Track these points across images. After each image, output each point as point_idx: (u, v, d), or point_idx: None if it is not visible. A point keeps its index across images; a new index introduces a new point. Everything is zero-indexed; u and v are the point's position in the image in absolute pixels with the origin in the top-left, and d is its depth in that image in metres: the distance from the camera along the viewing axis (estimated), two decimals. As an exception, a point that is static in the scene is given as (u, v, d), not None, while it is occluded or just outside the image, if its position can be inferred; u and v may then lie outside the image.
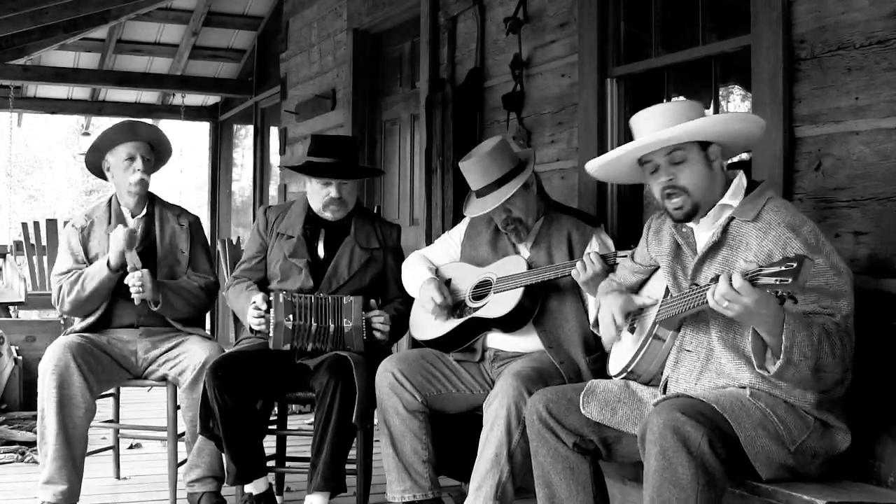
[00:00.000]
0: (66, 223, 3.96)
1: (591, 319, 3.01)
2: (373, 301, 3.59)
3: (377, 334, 3.51)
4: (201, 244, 3.91)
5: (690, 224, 2.64)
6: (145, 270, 3.61)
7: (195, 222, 3.94)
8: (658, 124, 2.55)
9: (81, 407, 3.47)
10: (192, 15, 8.33)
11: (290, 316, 3.41)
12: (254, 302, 3.51)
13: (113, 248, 3.60)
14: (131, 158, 3.74)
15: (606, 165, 2.73)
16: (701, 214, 2.58)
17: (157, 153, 3.87)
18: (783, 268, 2.08)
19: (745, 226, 2.49)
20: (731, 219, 2.52)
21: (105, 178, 3.86)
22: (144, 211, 3.83)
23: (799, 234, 2.39)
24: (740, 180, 2.57)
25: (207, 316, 4.04)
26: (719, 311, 2.24)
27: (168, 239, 3.82)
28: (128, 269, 3.60)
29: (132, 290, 3.59)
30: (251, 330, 3.56)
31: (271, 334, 3.41)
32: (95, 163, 3.84)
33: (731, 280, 2.17)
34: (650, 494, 2.26)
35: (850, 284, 2.38)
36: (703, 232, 2.60)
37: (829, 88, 2.86)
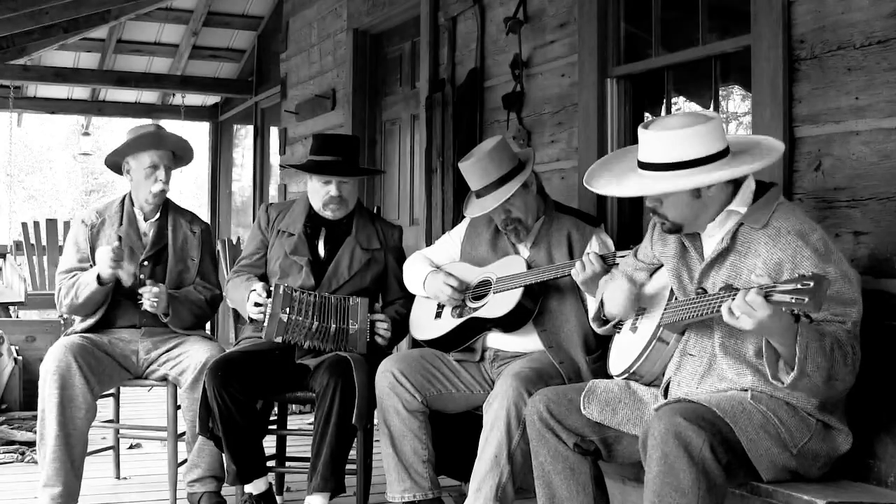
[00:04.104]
0: (66, 223, 3.96)
1: (591, 314, 3.01)
2: (377, 305, 3.59)
3: (378, 339, 3.51)
4: (210, 253, 3.93)
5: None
6: (162, 286, 3.64)
7: (206, 230, 3.95)
8: (665, 150, 2.44)
9: (82, 408, 3.47)
10: (192, 15, 8.34)
11: (287, 309, 3.40)
12: (254, 289, 3.51)
13: (100, 265, 3.59)
14: (154, 167, 3.74)
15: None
16: (686, 231, 2.58)
17: (177, 159, 3.88)
18: (799, 286, 2.07)
19: (755, 233, 2.46)
20: (740, 224, 2.49)
21: (121, 174, 3.87)
22: (158, 215, 3.84)
23: (808, 241, 2.37)
24: (748, 185, 2.53)
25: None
26: (731, 324, 2.23)
27: (180, 245, 3.82)
28: (123, 282, 3.62)
29: (146, 302, 3.61)
30: (249, 319, 3.56)
31: (265, 324, 3.41)
32: (116, 162, 3.84)
33: (745, 295, 2.16)
34: (651, 499, 2.26)
35: (860, 290, 2.37)
36: (710, 236, 2.58)
37: (829, 88, 2.86)
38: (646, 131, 2.51)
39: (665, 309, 2.65)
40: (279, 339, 3.42)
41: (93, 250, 3.74)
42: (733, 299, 2.20)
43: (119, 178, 3.92)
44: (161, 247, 3.79)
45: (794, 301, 2.07)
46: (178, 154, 3.87)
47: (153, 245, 3.77)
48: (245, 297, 3.54)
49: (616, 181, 2.61)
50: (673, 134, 2.45)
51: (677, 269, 2.65)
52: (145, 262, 3.75)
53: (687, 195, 2.49)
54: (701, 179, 2.42)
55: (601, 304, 2.88)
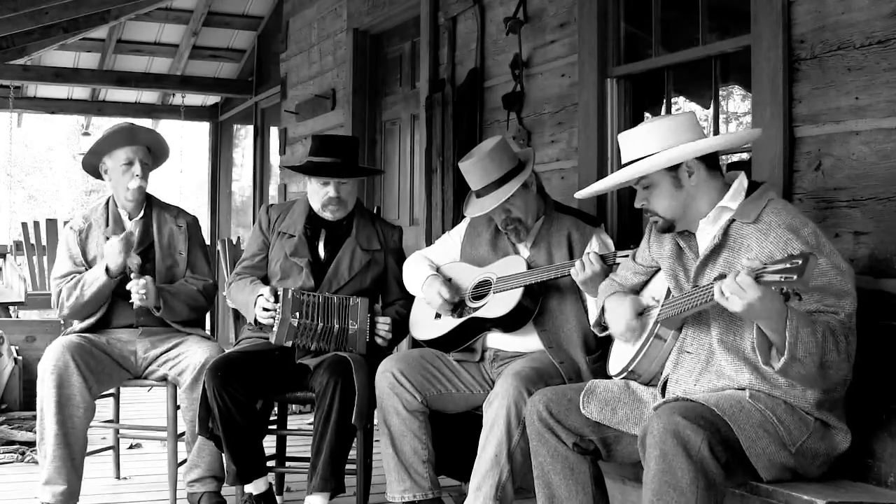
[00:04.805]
0: (65, 223, 3.95)
1: (592, 320, 3.01)
2: (377, 306, 3.59)
3: (378, 340, 3.52)
4: (199, 245, 3.91)
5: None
6: (148, 278, 3.61)
7: (193, 222, 3.93)
8: (638, 147, 2.59)
9: (81, 407, 3.47)
10: (192, 15, 8.34)
11: (297, 314, 3.41)
12: (261, 294, 3.50)
13: (108, 255, 3.59)
14: (129, 163, 3.72)
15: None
16: (680, 228, 2.63)
17: (154, 155, 3.86)
18: (788, 265, 2.09)
19: (746, 228, 2.49)
20: (732, 221, 2.52)
21: (101, 178, 3.86)
22: (142, 213, 3.83)
23: (799, 235, 2.39)
24: (741, 182, 2.57)
25: (207, 316, 4.03)
26: (723, 306, 2.24)
27: (166, 241, 3.81)
28: (129, 273, 3.60)
29: (135, 296, 3.59)
30: (255, 322, 3.56)
31: (275, 329, 3.41)
32: (93, 164, 3.82)
33: (735, 276, 2.18)
34: (649, 498, 2.26)
35: (853, 283, 2.38)
36: (704, 234, 2.60)
37: (829, 88, 2.86)
38: (622, 134, 2.67)
39: (661, 306, 2.66)
40: (289, 343, 3.43)
41: (84, 255, 3.74)
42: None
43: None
44: (148, 244, 3.78)
45: (783, 280, 2.09)
46: (155, 151, 3.85)
47: (139, 243, 3.75)
48: (250, 300, 3.54)
49: (603, 180, 2.80)
50: (644, 127, 2.62)
51: (673, 269, 2.66)
52: None
53: (669, 185, 2.56)
54: (670, 155, 2.52)
55: (602, 310, 2.88)
